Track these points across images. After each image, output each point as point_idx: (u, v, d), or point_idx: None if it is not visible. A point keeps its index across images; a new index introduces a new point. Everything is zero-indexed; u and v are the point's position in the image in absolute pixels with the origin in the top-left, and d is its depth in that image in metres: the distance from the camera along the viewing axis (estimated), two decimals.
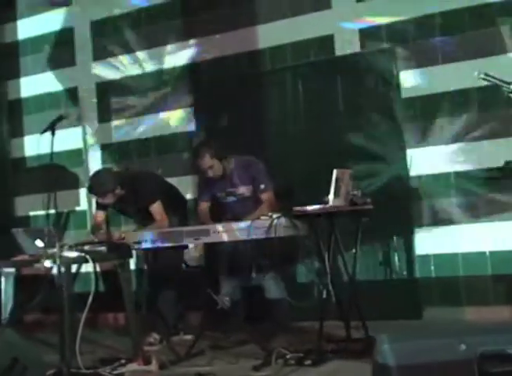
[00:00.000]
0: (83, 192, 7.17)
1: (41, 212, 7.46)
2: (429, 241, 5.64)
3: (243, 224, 4.40)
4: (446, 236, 5.58)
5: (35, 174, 7.43)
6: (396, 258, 5.76)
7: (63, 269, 4.46)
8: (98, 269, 6.71)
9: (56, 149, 7.22)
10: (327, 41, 5.94)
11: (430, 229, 5.63)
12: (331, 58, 5.95)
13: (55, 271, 4.99)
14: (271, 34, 6.16)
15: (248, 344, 4.93)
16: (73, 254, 4.59)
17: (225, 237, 4.45)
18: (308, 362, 4.31)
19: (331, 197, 4.44)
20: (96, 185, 5.23)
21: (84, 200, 7.21)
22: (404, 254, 5.75)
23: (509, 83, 3.61)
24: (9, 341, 3.71)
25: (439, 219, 5.60)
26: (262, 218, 4.41)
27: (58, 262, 4.39)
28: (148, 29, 6.79)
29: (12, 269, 4.96)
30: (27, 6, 7.37)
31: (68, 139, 7.08)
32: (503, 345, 2.44)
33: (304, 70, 6.05)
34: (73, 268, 6.51)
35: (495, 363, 2.39)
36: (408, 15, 5.69)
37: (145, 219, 5.41)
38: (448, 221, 5.57)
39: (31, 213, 7.56)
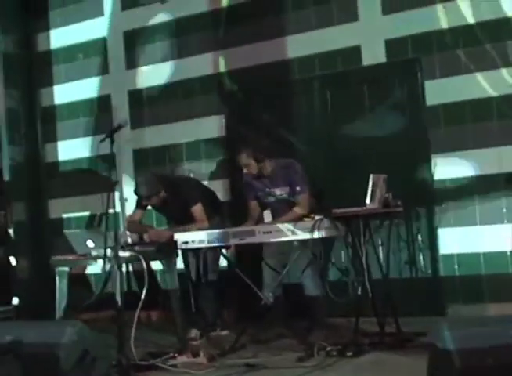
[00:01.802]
0: (116, 195, 7.49)
1: (74, 214, 7.82)
2: (452, 241, 5.96)
3: (287, 225, 4.71)
4: (469, 236, 5.89)
5: (69, 178, 7.79)
6: (421, 257, 6.08)
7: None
8: (130, 268, 7.11)
9: (90, 154, 7.66)
10: (354, 52, 6.26)
11: (453, 230, 5.95)
12: (358, 68, 6.26)
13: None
14: (300, 45, 6.47)
15: (285, 338, 5.25)
16: (126, 254, 4.89)
17: (269, 238, 4.78)
18: (350, 353, 4.62)
19: (368, 200, 4.77)
20: (143, 187, 5.56)
21: (117, 203, 7.50)
22: (429, 254, 6.07)
23: None
24: (80, 334, 4.01)
25: (462, 221, 5.91)
26: (305, 219, 4.73)
27: (113, 262, 4.68)
28: (179, 40, 7.11)
29: (66, 268, 5.27)
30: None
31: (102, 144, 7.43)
32: None
33: (332, 79, 6.37)
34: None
35: None
36: (431, 27, 6.01)
37: (182, 221, 5.70)
38: (470, 222, 5.88)
39: (64, 215, 7.88)
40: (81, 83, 7.67)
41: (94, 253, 5.14)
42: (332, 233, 4.75)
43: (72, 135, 7.76)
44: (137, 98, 7.38)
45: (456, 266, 5.96)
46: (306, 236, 4.64)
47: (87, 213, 7.74)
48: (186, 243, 4.99)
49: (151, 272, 6.99)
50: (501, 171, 5.79)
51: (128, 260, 5.00)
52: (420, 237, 6.08)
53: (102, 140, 4.75)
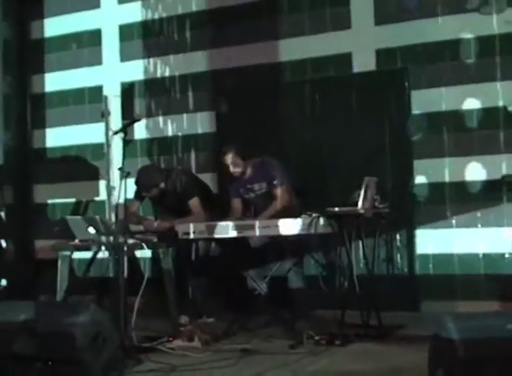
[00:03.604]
0: (102, 183, 7.71)
1: (59, 200, 8.00)
2: (429, 242, 6.34)
3: (285, 220, 5.03)
4: (445, 238, 6.28)
5: (56, 164, 7.97)
6: (399, 256, 6.45)
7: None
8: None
9: (80, 142, 7.86)
10: (346, 59, 6.59)
11: (430, 232, 6.33)
12: (348, 74, 6.59)
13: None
14: (293, 49, 6.78)
15: (272, 327, 5.55)
16: (130, 241, 5.14)
17: (268, 232, 5.08)
18: (338, 342, 4.95)
19: (361, 200, 5.10)
20: (144, 179, 5.79)
21: (103, 191, 7.72)
22: (406, 253, 6.44)
23: None
24: (93, 315, 4.25)
25: (439, 223, 6.30)
26: (303, 216, 5.04)
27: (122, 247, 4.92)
28: (174, 36, 7.35)
29: (68, 252, 5.48)
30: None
31: (91, 133, 7.68)
32: None
33: (323, 83, 6.68)
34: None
35: None
36: (419, 40, 6.36)
37: (178, 213, 5.96)
38: (447, 225, 6.27)
39: (49, 201, 8.06)
40: (73, 72, 7.84)
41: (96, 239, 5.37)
42: (327, 230, 5.07)
43: (61, 123, 7.93)
44: (129, 90, 7.58)
45: (431, 266, 6.34)
46: (304, 232, 4.96)
47: (72, 199, 7.93)
48: (187, 233, 5.25)
49: (135, 260, 7.23)
50: (479, 179, 6.19)
51: (131, 247, 5.21)
52: (398, 237, 6.45)
53: (116, 132, 4.96)
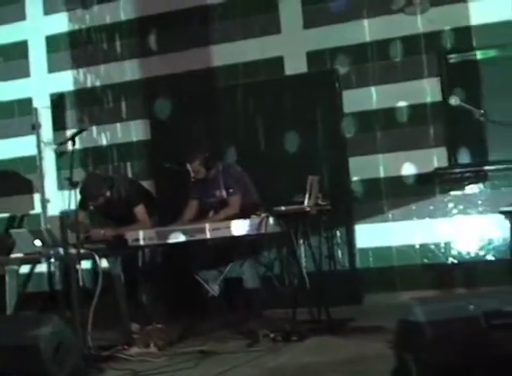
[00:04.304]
0: (37, 197, 7.61)
1: None
2: (368, 236, 6.56)
3: (237, 222, 5.12)
4: (382, 231, 6.51)
5: None
6: (339, 252, 6.64)
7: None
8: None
9: (9, 155, 7.73)
10: (277, 62, 6.74)
11: (368, 226, 6.55)
12: (281, 77, 6.75)
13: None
14: (226, 54, 6.89)
15: (224, 328, 5.62)
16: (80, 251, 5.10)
17: (219, 234, 5.15)
18: (294, 338, 5.06)
19: (306, 198, 5.25)
20: (90, 188, 5.74)
21: (38, 204, 7.62)
22: (346, 248, 6.64)
23: (478, 108, 4.55)
24: (55, 326, 4.22)
25: (376, 217, 6.53)
26: (252, 216, 5.15)
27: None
28: (104, 45, 7.34)
29: (15, 267, 5.39)
30: None
31: (22, 146, 7.57)
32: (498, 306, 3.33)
33: (256, 87, 6.82)
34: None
35: (495, 318, 3.26)
36: (348, 42, 6.59)
37: (123, 221, 5.95)
38: (384, 219, 6.51)
39: None
40: (0, 85, 7.71)
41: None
42: (276, 229, 5.19)
43: None
44: (59, 101, 7.51)
45: (371, 259, 6.56)
46: (253, 232, 5.06)
47: (6, 215, 7.78)
48: (137, 240, 5.27)
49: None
50: (410, 173, 6.44)
51: (81, 257, 5.18)
52: (338, 233, 6.63)
53: (62, 143, 4.93)
